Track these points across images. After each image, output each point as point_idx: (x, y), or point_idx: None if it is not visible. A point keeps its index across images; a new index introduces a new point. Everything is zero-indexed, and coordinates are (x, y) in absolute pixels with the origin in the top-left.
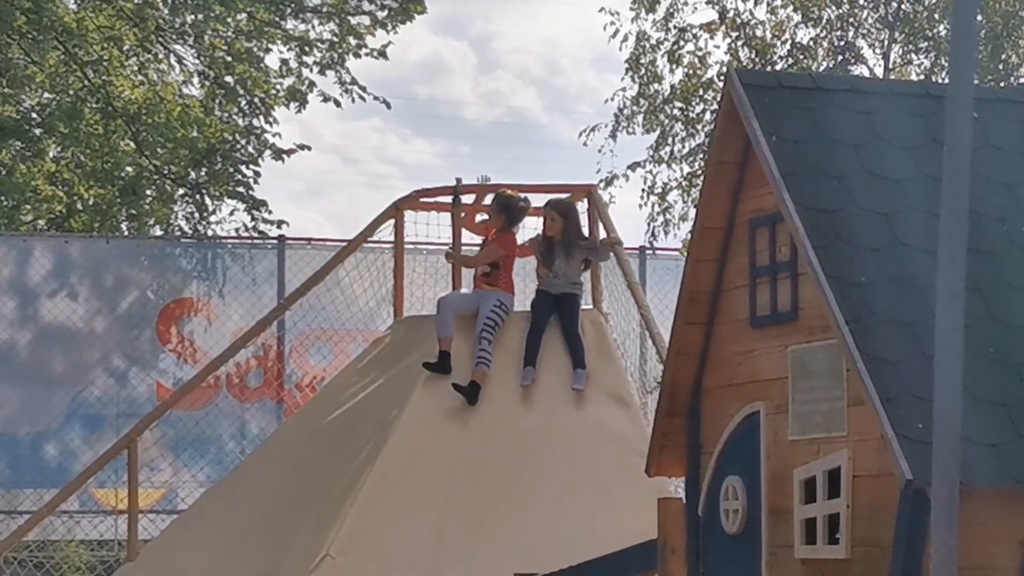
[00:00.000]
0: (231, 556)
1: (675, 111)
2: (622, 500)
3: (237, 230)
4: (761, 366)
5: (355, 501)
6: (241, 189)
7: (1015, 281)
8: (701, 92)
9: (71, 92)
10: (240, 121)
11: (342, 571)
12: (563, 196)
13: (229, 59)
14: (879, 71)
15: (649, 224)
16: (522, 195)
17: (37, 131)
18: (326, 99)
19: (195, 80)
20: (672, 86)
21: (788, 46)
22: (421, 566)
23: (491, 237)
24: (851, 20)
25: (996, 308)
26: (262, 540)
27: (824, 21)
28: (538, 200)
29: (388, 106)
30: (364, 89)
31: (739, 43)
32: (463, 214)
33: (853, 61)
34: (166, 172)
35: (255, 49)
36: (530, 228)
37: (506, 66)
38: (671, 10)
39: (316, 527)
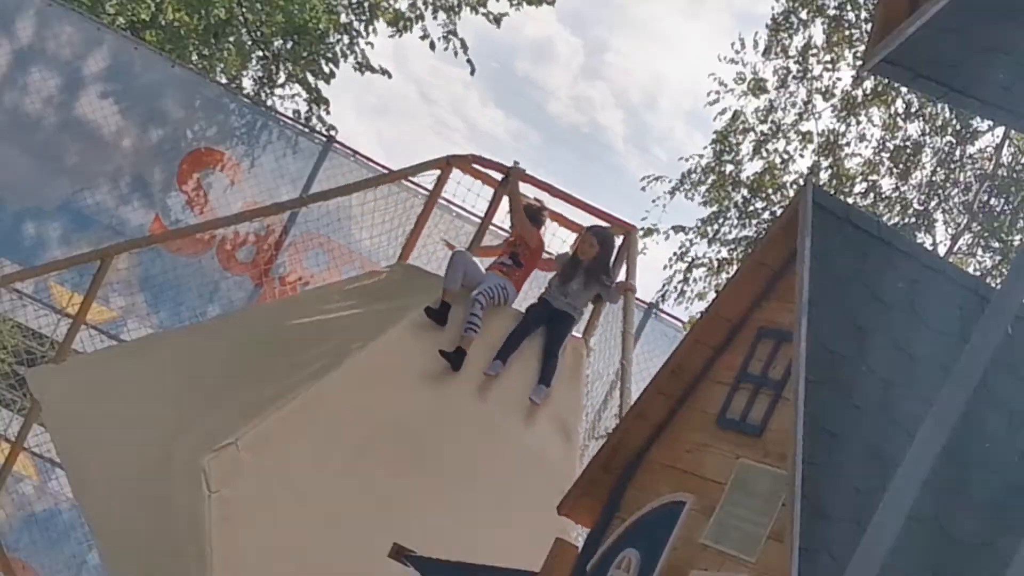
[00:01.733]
0: (146, 403)
1: (739, 197)
2: (522, 521)
3: (296, 112)
4: (708, 463)
5: (280, 410)
6: (311, 80)
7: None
8: (770, 191)
9: None
10: (343, 17)
11: (240, 465)
12: (604, 225)
13: None
14: (942, 249)
15: (665, 286)
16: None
17: None
18: (424, 36)
19: None
20: (739, 175)
21: (867, 185)
22: (310, 504)
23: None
24: (939, 191)
25: (949, 527)
26: (180, 403)
27: (912, 181)
28: (578, 216)
29: (472, 71)
30: (466, 49)
31: (825, 163)
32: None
33: (923, 227)
34: (253, 30)
35: None
36: (549, 231)
37: (608, 79)
38: (775, 105)
39: (234, 414)
